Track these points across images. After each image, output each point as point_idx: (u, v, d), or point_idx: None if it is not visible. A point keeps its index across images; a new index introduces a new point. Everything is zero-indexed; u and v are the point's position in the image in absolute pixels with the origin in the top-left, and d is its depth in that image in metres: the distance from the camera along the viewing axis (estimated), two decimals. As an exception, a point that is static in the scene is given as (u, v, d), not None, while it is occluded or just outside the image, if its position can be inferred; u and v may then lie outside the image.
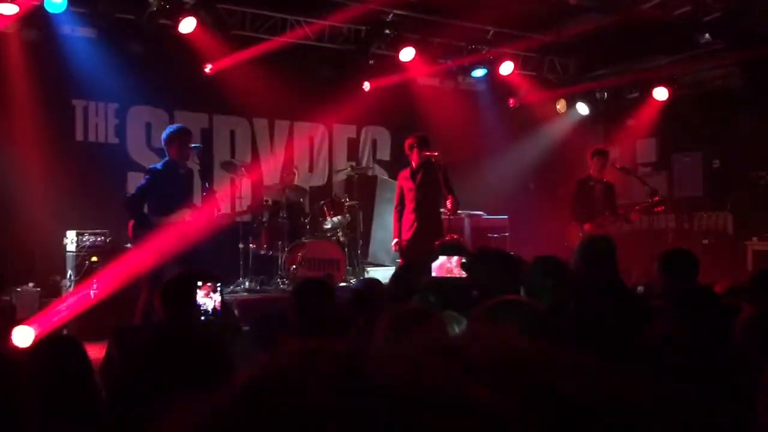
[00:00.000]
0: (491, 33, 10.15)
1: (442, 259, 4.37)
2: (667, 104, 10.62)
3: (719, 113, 10.47)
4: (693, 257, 4.25)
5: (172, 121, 9.58)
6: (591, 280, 3.61)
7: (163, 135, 6.66)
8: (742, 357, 2.47)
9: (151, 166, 6.70)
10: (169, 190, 6.46)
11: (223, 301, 3.57)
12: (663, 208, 8.68)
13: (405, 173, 7.63)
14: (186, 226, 6.38)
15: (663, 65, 10.36)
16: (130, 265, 6.60)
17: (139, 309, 5.97)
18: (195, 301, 3.40)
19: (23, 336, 5.45)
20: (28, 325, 5.79)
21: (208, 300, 3.40)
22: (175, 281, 3.70)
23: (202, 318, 3.38)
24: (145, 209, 6.42)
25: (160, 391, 2.55)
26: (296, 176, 9.47)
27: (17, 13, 7.69)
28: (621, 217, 8.50)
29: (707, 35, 9.25)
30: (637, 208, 8.51)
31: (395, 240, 7.65)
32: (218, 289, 3.49)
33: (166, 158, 6.58)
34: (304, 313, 3.45)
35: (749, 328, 2.60)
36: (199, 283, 3.42)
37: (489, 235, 9.59)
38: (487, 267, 4.12)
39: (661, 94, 10.44)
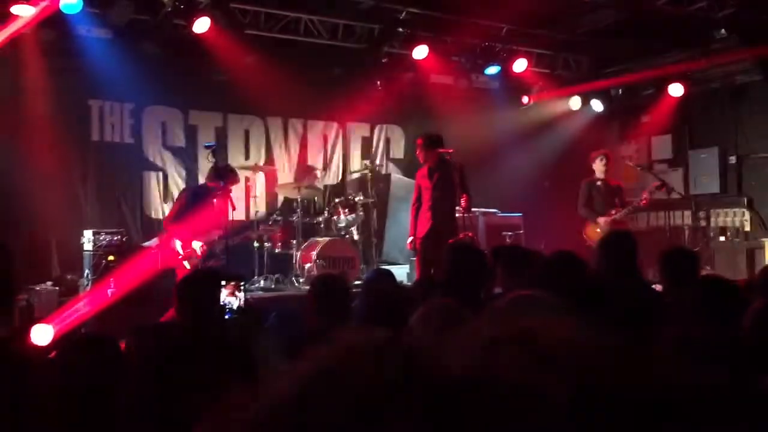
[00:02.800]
0: (504, 30, 10.11)
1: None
2: (683, 100, 10.55)
3: (735, 109, 10.40)
4: (691, 255, 4.25)
5: (187, 121, 9.65)
6: (613, 277, 3.59)
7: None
8: (753, 348, 2.46)
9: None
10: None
11: (246, 300, 3.60)
12: (664, 188, 8.81)
13: (423, 171, 7.68)
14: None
15: (678, 61, 10.28)
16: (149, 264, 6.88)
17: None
18: (215, 299, 3.43)
19: (42, 335, 5.50)
20: (47, 323, 5.84)
21: (232, 298, 3.43)
22: (190, 280, 3.72)
23: (226, 316, 3.40)
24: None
25: (181, 390, 2.57)
26: (318, 178, 9.58)
27: (34, 14, 7.74)
28: (631, 207, 8.63)
29: (723, 30, 9.18)
30: (644, 195, 8.62)
31: (410, 238, 7.67)
32: (242, 287, 3.52)
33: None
34: (323, 309, 3.46)
35: (759, 320, 2.58)
36: (223, 282, 3.45)
37: (503, 233, 9.56)
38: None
39: (676, 90, 10.36)
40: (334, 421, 0.40)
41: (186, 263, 6.70)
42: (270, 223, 8.99)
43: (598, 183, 8.71)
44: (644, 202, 8.66)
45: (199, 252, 6.85)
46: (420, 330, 2.27)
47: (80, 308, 6.75)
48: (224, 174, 7.28)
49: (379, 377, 0.42)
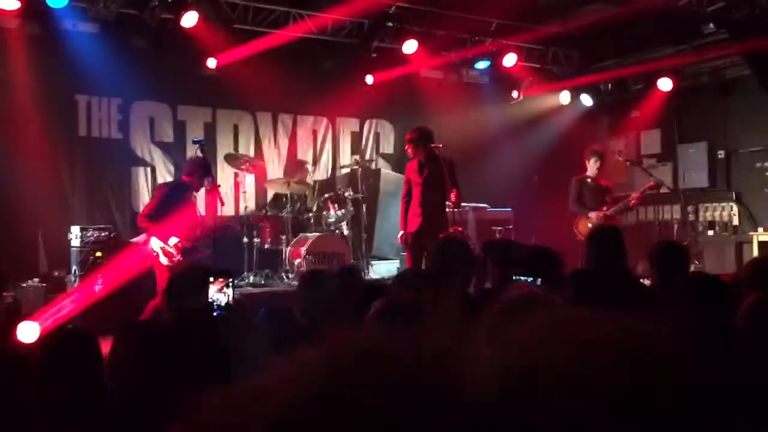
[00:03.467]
0: (494, 25, 10.10)
1: None
2: (672, 95, 10.57)
3: (724, 103, 10.43)
4: (681, 249, 4.25)
5: (175, 116, 9.58)
6: (602, 272, 3.59)
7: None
8: (747, 344, 2.45)
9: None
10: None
11: (235, 296, 3.56)
12: (657, 191, 8.82)
13: (413, 165, 7.63)
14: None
15: (667, 56, 10.30)
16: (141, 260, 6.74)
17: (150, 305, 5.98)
18: (204, 295, 3.40)
19: (28, 332, 5.44)
20: (33, 320, 5.79)
21: (221, 295, 3.40)
22: (179, 277, 3.69)
23: (215, 313, 3.37)
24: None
25: (170, 386, 2.54)
26: (309, 173, 9.55)
27: (19, 8, 7.66)
28: (621, 205, 8.63)
29: (711, 25, 9.20)
30: (633, 195, 8.62)
31: (401, 232, 7.64)
32: (230, 284, 3.48)
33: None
34: (311, 305, 3.44)
35: (753, 315, 2.57)
36: (212, 279, 3.41)
37: (493, 227, 9.57)
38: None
39: (665, 84, 10.39)
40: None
41: (164, 260, 6.47)
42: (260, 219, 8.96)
43: (588, 180, 8.71)
44: (632, 203, 8.66)
45: (173, 251, 6.53)
46: (378, 324, 2.24)
47: (67, 305, 6.69)
48: (208, 170, 7.12)
49: (382, 385, 0.39)
